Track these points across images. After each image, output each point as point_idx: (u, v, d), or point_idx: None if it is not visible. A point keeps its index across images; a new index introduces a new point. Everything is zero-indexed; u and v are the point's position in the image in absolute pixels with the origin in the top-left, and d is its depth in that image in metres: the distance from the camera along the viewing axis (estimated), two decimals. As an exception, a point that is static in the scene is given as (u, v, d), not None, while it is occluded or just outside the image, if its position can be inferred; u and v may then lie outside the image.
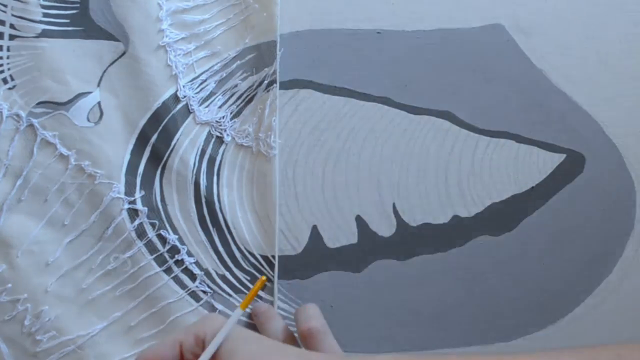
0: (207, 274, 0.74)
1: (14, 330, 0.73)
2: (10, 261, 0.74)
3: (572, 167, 0.77)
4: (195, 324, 0.64)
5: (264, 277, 0.63)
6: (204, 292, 0.74)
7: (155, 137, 0.76)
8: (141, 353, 0.63)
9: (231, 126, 0.77)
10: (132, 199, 0.75)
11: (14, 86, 0.76)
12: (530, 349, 0.73)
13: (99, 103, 0.76)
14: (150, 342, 0.74)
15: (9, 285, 0.73)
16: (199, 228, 0.75)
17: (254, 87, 0.77)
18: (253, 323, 0.74)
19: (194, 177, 0.76)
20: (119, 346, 0.74)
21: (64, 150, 0.75)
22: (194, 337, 0.62)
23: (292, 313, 0.75)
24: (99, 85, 0.76)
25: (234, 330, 0.62)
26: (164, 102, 0.76)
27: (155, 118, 0.76)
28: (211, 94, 0.77)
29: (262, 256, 0.75)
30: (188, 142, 0.76)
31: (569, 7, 0.78)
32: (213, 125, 0.77)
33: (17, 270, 0.74)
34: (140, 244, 0.75)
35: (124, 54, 0.77)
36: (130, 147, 0.76)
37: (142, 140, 0.76)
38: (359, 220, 0.76)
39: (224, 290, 0.75)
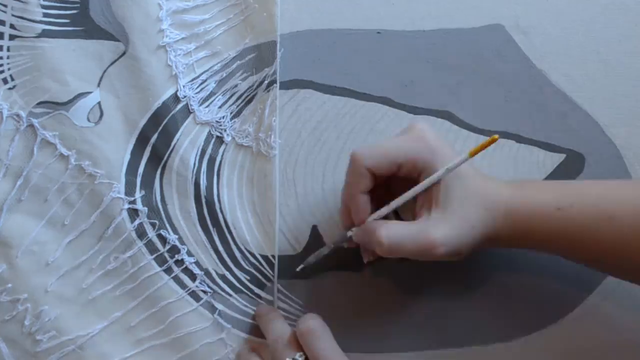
0: (207, 273, 0.74)
1: (14, 330, 0.73)
2: (10, 261, 0.74)
3: (572, 167, 0.76)
4: (412, 146, 0.68)
5: (496, 136, 0.64)
6: (204, 291, 0.74)
7: (155, 137, 0.76)
8: (361, 155, 0.68)
9: (231, 126, 0.77)
10: (132, 199, 0.75)
11: (14, 86, 0.76)
12: (530, 349, 0.73)
13: (99, 103, 0.76)
14: (151, 342, 0.74)
15: (9, 285, 0.73)
16: (199, 228, 0.75)
17: (254, 87, 0.77)
18: (256, 323, 0.74)
19: (194, 177, 0.75)
20: (119, 346, 0.74)
21: (64, 150, 0.75)
22: (412, 165, 0.68)
23: (292, 313, 0.75)
24: (99, 85, 0.76)
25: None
26: (164, 102, 0.76)
27: (155, 118, 0.76)
28: (211, 94, 0.77)
29: (262, 256, 0.75)
30: (188, 142, 0.76)
31: (569, 7, 0.78)
32: (213, 126, 0.77)
33: (17, 270, 0.74)
34: (140, 243, 0.75)
35: (124, 54, 0.77)
36: (131, 147, 0.76)
37: (142, 140, 0.76)
38: (359, 220, 0.76)
39: (223, 290, 0.74)
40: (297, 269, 0.73)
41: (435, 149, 0.67)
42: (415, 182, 0.68)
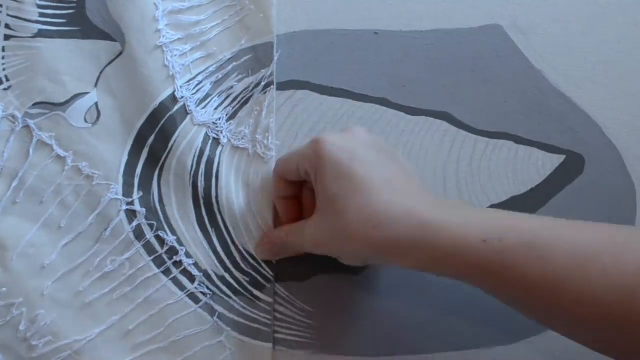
0: (206, 275, 0.74)
1: (9, 335, 0.72)
2: (5, 264, 0.73)
3: (571, 168, 0.77)
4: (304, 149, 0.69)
5: None
6: (203, 293, 0.74)
7: (153, 138, 0.75)
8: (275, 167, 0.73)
9: (227, 128, 0.76)
10: (130, 200, 0.75)
11: (10, 87, 0.75)
12: (530, 353, 0.73)
13: (96, 104, 0.76)
14: (149, 346, 0.73)
15: (4, 289, 0.72)
16: (197, 229, 0.75)
17: (250, 88, 0.77)
18: (255, 326, 0.74)
19: (192, 178, 0.75)
20: (117, 351, 0.73)
21: (60, 152, 0.74)
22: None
23: (290, 316, 0.74)
24: (96, 85, 0.76)
25: None
26: (161, 103, 0.76)
27: (153, 119, 0.75)
28: (207, 95, 0.77)
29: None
30: (186, 144, 0.75)
31: (568, 7, 0.78)
32: (210, 127, 0.76)
33: (12, 274, 0.73)
34: (138, 245, 0.74)
35: (120, 54, 0.76)
36: (128, 148, 0.75)
37: (139, 141, 0.75)
38: (358, 222, 0.76)
39: (223, 292, 0.74)
40: None
41: (324, 158, 0.65)
42: None
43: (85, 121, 0.75)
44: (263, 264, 0.74)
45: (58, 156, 0.74)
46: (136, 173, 0.75)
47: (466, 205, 0.71)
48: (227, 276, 0.74)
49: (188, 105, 0.76)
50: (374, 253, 0.63)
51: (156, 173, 0.75)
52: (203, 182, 0.75)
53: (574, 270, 0.58)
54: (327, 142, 0.65)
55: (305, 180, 0.70)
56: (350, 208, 0.63)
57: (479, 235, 0.60)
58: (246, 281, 0.74)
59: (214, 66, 0.78)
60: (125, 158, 0.75)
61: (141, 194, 0.75)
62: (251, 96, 0.77)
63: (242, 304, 0.74)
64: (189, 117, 0.76)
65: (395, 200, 0.62)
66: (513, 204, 0.76)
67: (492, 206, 0.76)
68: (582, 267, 0.58)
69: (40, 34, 0.76)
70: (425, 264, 0.63)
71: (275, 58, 0.77)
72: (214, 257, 0.74)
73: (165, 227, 0.75)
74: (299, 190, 0.72)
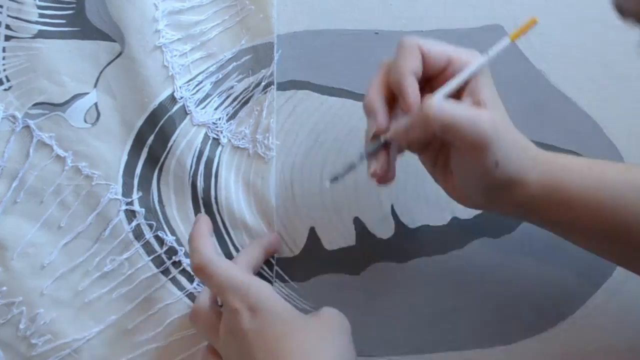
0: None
1: (9, 334, 0.73)
2: (5, 264, 0.73)
3: (571, 168, 0.76)
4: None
5: (535, 18, 0.62)
6: (202, 294, 0.74)
7: (152, 138, 0.75)
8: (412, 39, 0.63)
9: (227, 128, 0.76)
10: (130, 200, 0.75)
11: (10, 87, 0.75)
12: (531, 352, 0.73)
13: (95, 104, 0.76)
14: (148, 345, 0.73)
15: (4, 288, 0.73)
16: (197, 229, 0.75)
17: (251, 88, 0.77)
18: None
19: (191, 178, 0.75)
20: (116, 350, 0.74)
21: (60, 152, 0.75)
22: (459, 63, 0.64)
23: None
24: (95, 86, 0.76)
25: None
26: (160, 103, 0.76)
27: (152, 119, 0.76)
28: (207, 95, 0.77)
29: (260, 257, 0.75)
30: (185, 144, 0.75)
31: (568, 8, 0.78)
32: (209, 127, 0.76)
33: (12, 273, 0.73)
34: (137, 245, 0.74)
35: (120, 54, 0.76)
36: (128, 148, 0.75)
37: (139, 141, 0.76)
38: (357, 222, 0.76)
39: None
40: (329, 181, 0.65)
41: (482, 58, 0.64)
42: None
43: (85, 121, 0.76)
44: (263, 265, 0.75)
45: (58, 156, 0.75)
46: (135, 173, 0.75)
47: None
48: (225, 276, 0.74)
49: (187, 106, 0.76)
50: (508, 177, 0.62)
51: (155, 173, 0.75)
52: (202, 183, 0.75)
53: None
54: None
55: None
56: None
57: (585, 164, 0.64)
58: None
59: (214, 66, 0.78)
60: (124, 158, 0.75)
61: (140, 194, 0.75)
62: (251, 96, 0.77)
63: (241, 304, 0.74)
64: (188, 117, 0.76)
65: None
66: (513, 204, 0.76)
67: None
68: None
69: (40, 34, 0.76)
70: (537, 189, 0.63)
71: (276, 58, 0.77)
72: (213, 257, 0.74)
73: (165, 227, 0.75)
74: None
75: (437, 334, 0.74)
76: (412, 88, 0.62)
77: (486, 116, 0.60)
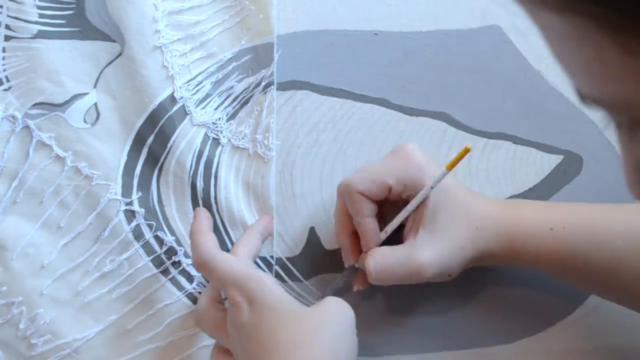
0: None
1: (9, 333, 0.73)
2: (5, 264, 0.73)
3: (569, 168, 0.76)
4: (402, 168, 0.68)
5: (469, 146, 0.64)
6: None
7: (152, 138, 0.75)
8: (351, 183, 0.68)
9: (227, 128, 0.77)
10: (129, 200, 0.75)
11: (10, 87, 0.75)
12: (530, 352, 0.73)
13: (95, 104, 0.76)
14: (148, 345, 0.73)
15: (4, 288, 0.73)
16: (196, 229, 0.75)
17: (250, 88, 0.77)
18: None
19: (190, 178, 0.75)
20: (115, 350, 0.74)
21: (60, 152, 0.75)
22: (403, 186, 0.68)
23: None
24: (95, 86, 0.76)
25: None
26: (160, 104, 0.76)
27: (152, 119, 0.76)
28: (207, 95, 0.77)
29: (260, 258, 0.75)
30: (185, 144, 0.75)
31: (567, 8, 0.78)
32: (209, 127, 0.76)
33: (12, 273, 0.73)
34: (137, 245, 0.74)
35: (120, 54, 0.76)
36: (127, 148, 0.76)
37: (138, 141, 0.76)
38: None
39: (221, 293, 0.74)
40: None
41: (424, 168, 0.68)
42: (406, 205, 0.69)
43: (85, 121, 0.76)
44: (262, 264, 0.75)
45: (57, 156, 0.75)
46: (135, 173, 0.75)
47: (524, 200, 0.74)
48: (225, 276, 0.74)
49: (187, 106, 0.76)
50: (474, 257, 0.68)
51: (155, 173, 0.75)
52: (202, 183, 0.75)
53: (632, 252, 0.65)
54: (422, 155, 0.69)
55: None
56: (456, 217, 0.67)
57: (547, 225, 0.67)
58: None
59: (214, 66, 0.78)
60: (124, 158, 0.75)
61: (140, 194, 0.75)
62: (251, 96, 0.77)
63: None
64: (187, 117, 0.76)
65: (481, 205, 0.69)
66: (512, 204, 0.76)
67: (491, 206, 0.76)
68: (637, 248, 0.65)
69: (40, 34, 0.76)
70: (505, 257, 0.68)
71: (276, 58, 0.77)
72: (212, 258, 0.74)
73: (164, 227, 0.75)
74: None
75: (437, 334, 0.74)
76: (371, 232, 0.69)
77: (418, 258, 0.67)
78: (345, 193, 0.69)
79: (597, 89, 0.36)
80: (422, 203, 0.67)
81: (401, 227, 0.70)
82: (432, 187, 0.66)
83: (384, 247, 0.69)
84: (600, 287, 0.69)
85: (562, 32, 0.35)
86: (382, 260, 0.67)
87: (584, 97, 0.39)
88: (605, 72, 0.34)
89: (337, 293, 0.71)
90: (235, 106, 0.77)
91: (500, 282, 0.75)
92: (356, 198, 0.68)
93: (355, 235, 0.71)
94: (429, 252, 0.66)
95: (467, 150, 0.64)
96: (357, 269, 0.72)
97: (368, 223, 0.69)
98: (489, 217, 0.68)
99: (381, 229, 0.70)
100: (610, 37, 0.32)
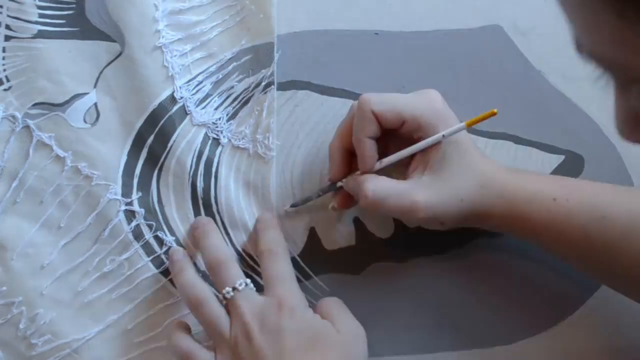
0: (205, 276, 0.73)
1: (9, 333, 0.73)
2: (5, 264, 0.73)
3: (571, 168, 0.76)
4: (419, 105, 0.70)
5: (495, 110, 0.67)
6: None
7: (152, 138, 0.75)
8: (369, 100, 0.69)
9: (227, 128, 0.76)
10: (129, 200, 0.75)
11: (10, 87, 0.75)
12: (531, 352, 0.73)
13: (95, 104, 0.76)
14: (147, 346, 0.73)
15: (4, 288, 0.73)
16: (196, 230, 0.75)
17: (251, 88, 0.77)
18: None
19: (190, 178, 0.75)
20: (115, 350, 0.74)
21: (60, 152, 0.75)
22: (417, 124, 0.69)
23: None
24: (95, 86, 0.76)
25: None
26: (160, 103, 0.76)
27: (152, 119, 0.75)
28: (207, 95, 0.77)
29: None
30: (185, 144, 0.75)
31: (568, 8, 0.78)
32: (209, 127, 0.76)
33: (11, 273, 0.73)
34: (137, 245, 0.74)
35: (120, 54, 0.76)
36: (127, 148, 0.75)
37: (138, 141, 0.76)
38: (357, 222, 0.76)
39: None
40: (290, 206, 0.76)
41: (442, 114, 0.69)
42: (413, 144, 0.69)
43: (85, 121, 0.75)
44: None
45: (57, 156, 0.75)
46: (135, 173, 0.75)
47: (531, 171, 0.75)
48: (225, 276, 0.74)
49: (187, 106, 0.76)
50: (472, 213, 0.68)
51: (155, 173, 0.75)
52: (202, 183, 0.75)
53: (632, 232, 0.65)
54: (442, 103, 0.70)
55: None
56: (463, 171, 0.68)
57: (550, 194, 0.67)
58: (245, 282, 0.74)
59: (215, 66, 0.78)
60: (124, 158, 0.75)
61: (140, 194, 0.75)
62: (252, 96, 0.77)
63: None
64: (188, 117, 0.76)
65: (489, 166, 0.69)
66: (513, 204, 0.76)
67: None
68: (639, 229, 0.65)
69: (40, 34, 0.76)
70: (503, 221, 0.69)
71: (276, 58, 0.77)
72: (212, 258, 0.74)
73: (164, 227, 0.75)
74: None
75: (437, 334, 0.74)
76: (368, 153, 0.69)
77: (415, 197, 0.67)
78: (359, 107, 0.69)
79: (594, 45, 0.38)
80: (433, 148, 0.68)
81: (396, 167, 0.71)
82: (444, 136, 0.68)
83: (383, 177, 0.69)
84: (599, 268, 0.69)
85: None
86: (379, 186, 0.68)
87: (580, 48, 0.41)
88: (600, 32, 0.37)
89: (303, 203, 0.75)
90: (235, 106, 0.77)
91: (500, 282, 0.75)
92: (367, 116, 0.68)
93: (347, 154, 0.72)
94: (428, 194, 0.67)
95: (492, 113, 0.67)
96: (337, 189, 0.73)
97: (368, 143, 0.69)
98: (495, 178, 0.68)
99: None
100: (607, 2, 0.35)
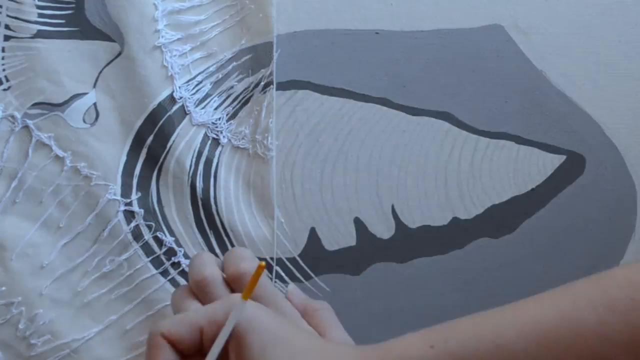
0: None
1: (8, 334, 0.73)
2: (4, 264, 0.73)
3: (572, 168, 0.76)
4: (215, 308, 0.60)
5: (262, 263, 0.56)
6: (201, 294, 0.74)
7: (152, 138, 0.75)
8: (158, 324, 0.59)
9: (227, 128, 0.76)
10: (129, 200, 0.75)
11: (9, 87, 0.75)
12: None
13: (94, 104, 0.76)
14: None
15: (3, 288, 0.73)
16: (195, 230, 0.75)
17: (250, 88, 0.77)
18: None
19: (190, 179, 0.75)
20: (115, 350, 0.74)
21: (59, 152, 0.74)
22: (216, 326, 0.58)
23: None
24: (94, 86, 0.76)
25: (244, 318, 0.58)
26: (159, 103, 0.76)
27: (151, 119, 0.75)
28: (207, 95, 0.77)
29: (260, 258, 0.74)
30: (184, 144, 0.75)
31: (569, 8, 0.78)
32: (209, 127, 0.76)
33: (11, 273, 0.73)
34: (136, 246, 0.74)
35: (119, 54, 0.76)
36: (127, 148, 0.75)
37: (138, 141, 0.75)
38: (358, 222, 0.76)
39: (221, 293, 0.74)
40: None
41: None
42: None
43: (84, 121, 0.75)
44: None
45: (57, 156, 0.75)
46: (135, 173, 0.75)
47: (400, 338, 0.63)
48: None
49: (187, 106, 0.76)
50: None
51: (154, 173, 0.75)
52: (201, 183, 0.75)
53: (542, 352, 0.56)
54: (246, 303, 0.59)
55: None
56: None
57: (424, 344, 0.58)
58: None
59: (214, 66, 0.78)
60: (123, 158, 0.75)
61: (139, 194, 0.75)
62: (251, 96, 0.77)
63: (240, 304, 0.74)
64: (187, 117, 0.76)
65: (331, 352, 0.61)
66: (514, 204, 0.76)
67: (493, 206, 0.76)
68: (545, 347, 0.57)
69: (40, 34, 0.76)
70: None
71: (275, 57, 0.77)
72: (212, 258, 0.74)
73: (164, 227, 0.75)
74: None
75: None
76: None
77: None
78: (148, 336, 0.60)
79: None
80: (235, 345, 0.58)
81: None
82: (233, 322, 0.57)
83: None
84: None
85: None
86: None
87: None
88: None
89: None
90: (235, 106, 0.77)
91: (501, 282, 0.74)
92: (154, 343, 0.59)
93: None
94: None
95: (261, 268, 0.57)
96: None
97: None
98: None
99: None
100: None
